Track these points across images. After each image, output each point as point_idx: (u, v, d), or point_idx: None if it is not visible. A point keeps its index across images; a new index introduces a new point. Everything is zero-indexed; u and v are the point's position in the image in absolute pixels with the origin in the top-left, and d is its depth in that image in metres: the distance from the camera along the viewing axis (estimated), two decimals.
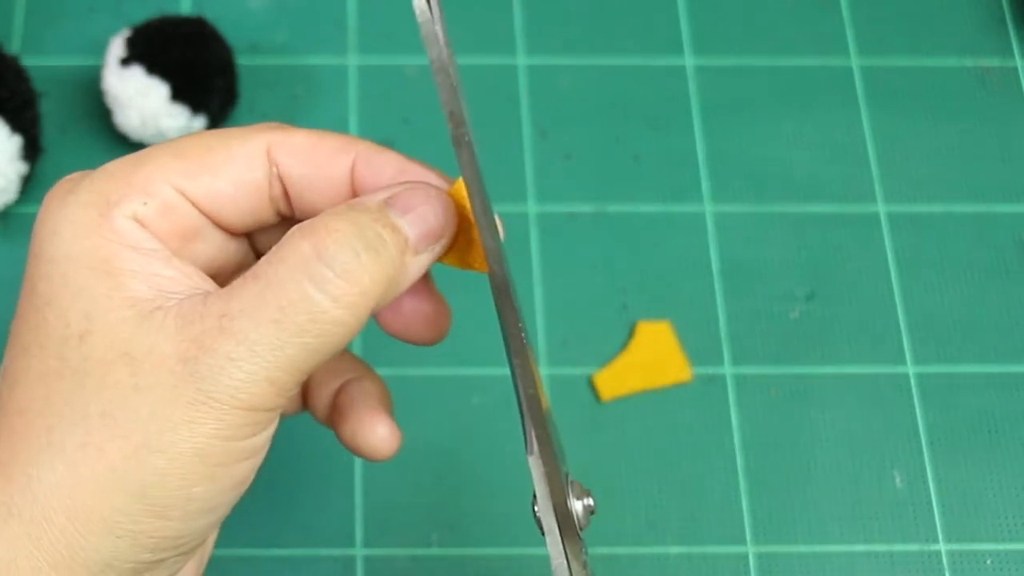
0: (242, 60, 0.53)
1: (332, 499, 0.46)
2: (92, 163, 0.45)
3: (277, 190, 0.33)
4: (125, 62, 0.49)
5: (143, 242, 0.31)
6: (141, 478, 0.29)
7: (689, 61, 0.55)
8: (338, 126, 0.53)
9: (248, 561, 0.44)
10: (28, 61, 0.52)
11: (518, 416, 0.43)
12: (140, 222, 0.31)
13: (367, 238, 0.30)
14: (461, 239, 0.32)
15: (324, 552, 0.45)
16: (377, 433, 0.36)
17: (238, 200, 0.33)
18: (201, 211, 0.32)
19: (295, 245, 0.30)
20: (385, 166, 0.33)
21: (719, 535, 0.46)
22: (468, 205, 0.31)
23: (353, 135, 0.35)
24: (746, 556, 0.45)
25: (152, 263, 0.31)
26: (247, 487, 0.31)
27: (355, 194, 0.33)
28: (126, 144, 0.51)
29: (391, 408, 0.36)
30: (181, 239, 0.32)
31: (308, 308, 0.29)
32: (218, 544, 0.43)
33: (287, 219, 0.34)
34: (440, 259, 0.33)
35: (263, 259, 0.30)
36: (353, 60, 0.54)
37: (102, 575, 0.30)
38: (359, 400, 0.36)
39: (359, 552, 0.45)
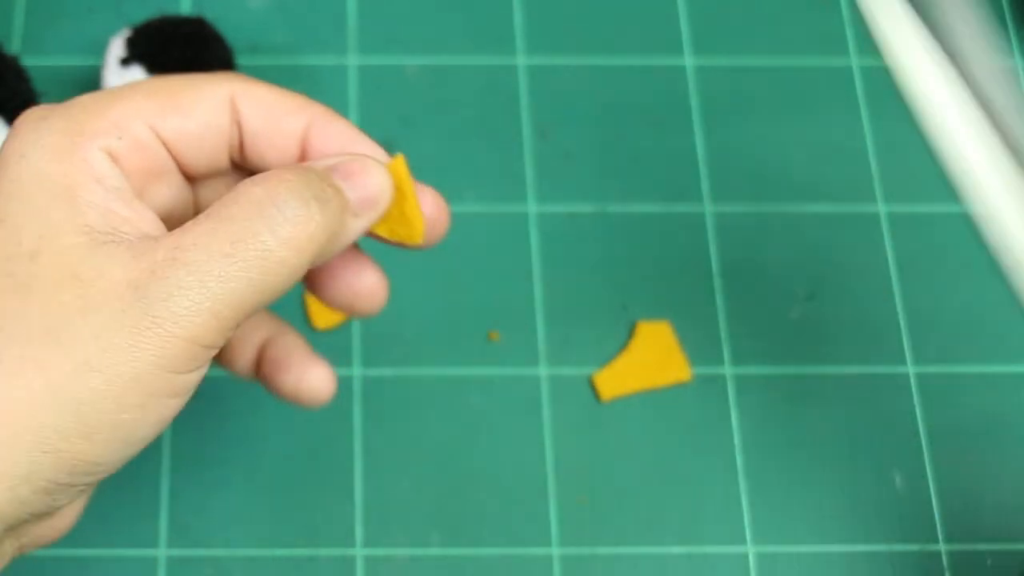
0: (242, 60, 0.53)
1: (332, 499, 0.46)
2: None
3: (235, 137, 0.35)
4: (125, 62, 0.49)
5: (109, 178, 0.32)
6: (77, 396, 0.30)
7: (689, 61, 0.54)
8: None
9: (248, 561, 0.44)
10: (28, 61, 0.51)
11: (518, 415, 0.46)
12: (112, 156, 0.32)
13: (315, 190, 0.32)
14: (394, 211, 0.35)
15: (324, 552, 0.45)
16: (319, 375, 0.38)
17: (203, 141, 0.34)
18: (169, 151, 0.34)
19: (248, 190, 0.31)
20: (337, 135, 0.35)
21: (719, 535, 0.46)
22: (404, 181, 0.35)
23: (311, 98, 0.36)
24: (746, 556, 0.45)
25: (112, 200, 0.32)
26: (159, 432, 0.32)
27: (304, 153, 0.35)
28: None
29: (320, 355, 0.39)
30: (146, 178, 0.33)
31: (257, 245, 0.30)
32: (218, 544, 0.44)
33: (235, 168, 0.36)
34: (373, 231, 0.35)
35: (216, 203, 0.31)
36: (353, 60, 0.54)
37: (16, 489, 0.30)
38: (294, 350, 0.38)
39: (359, 552, 0.45)
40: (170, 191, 0.35)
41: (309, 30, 0.54)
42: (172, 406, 0.31)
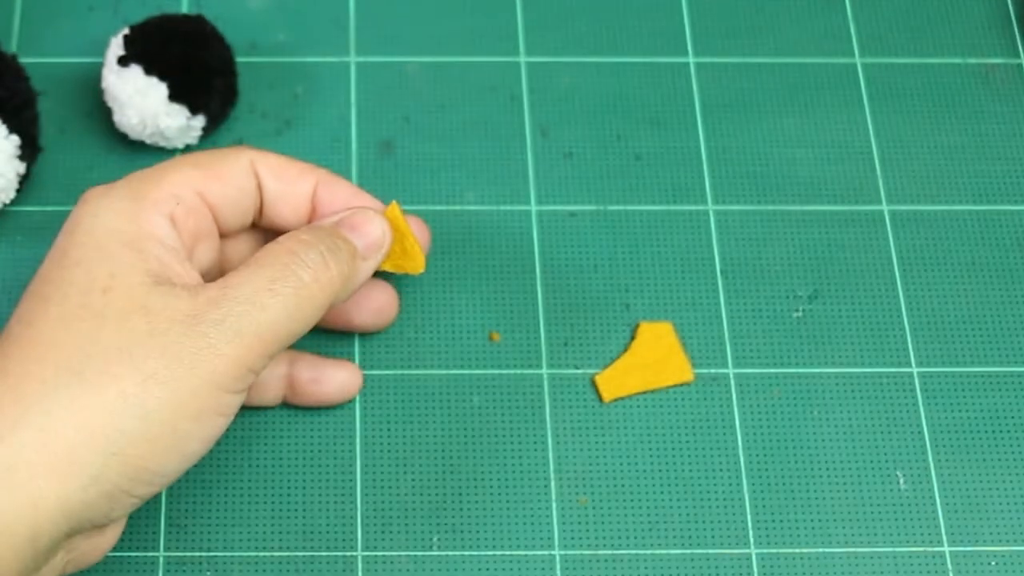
0: (242, 59, 0.52)
1: (332, 501, 0.45)
2: (91, 162, 0.50)
3: (258, 199, 0.42)
4: (124, 61, 0.49)
5: (168, 239, 0.38)
6: (144, 404, 0.35)
7: (692, 59, 0.54)
8: (339, 124, 0.52)
9: (248, 562, 0.44)
10: (27, 60, 0.51)
11: (520, 416, 0.47)
12: (172, 221, 0.39)
13: (327, 244, 0.39)
14: (396, 249, 0.43)
15: (325, 554, 0.44)
16: (348, 375, 0.45)
17: (238, 204, 0.41)
18: (213, 214, 0.41)
19: (277, 247, 0.38)
20: (340, 192, 0.42)
21: (721, 537, 0.45)
22: (400, 222, 0.43)
23: (312, 163, 0.43)
24: (749, 558, 0.45)
25: (169, 256, 0.38)
26: (206, 450, 0.37)
27: (314, 209, 0.42)
28: (125, 143, 0.51)
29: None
30: (196, 238, 0.40)
31: (293, 282, 0.37)
32: (218, 547, 0.44)
33: (255, 228, 0.43)
34: (380, 268, 0.42)
35: (251, 259, 0.38)
36: (353, 58, 0.54)
37: (88, 489, 0.34)
38: (320, 364, 0.45)
39: (360, 554, 0.45)
40: (208, 251, 0.41)
41: (309, 28, 0.54)
42: (219, 425, 0.37)
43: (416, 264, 0.43)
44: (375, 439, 0.47)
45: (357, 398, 0.47)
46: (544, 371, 0.48)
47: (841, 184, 0.52)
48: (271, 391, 0.45)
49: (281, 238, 0.39)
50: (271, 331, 0.37)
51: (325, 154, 0.51)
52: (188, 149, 0.51)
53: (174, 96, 0.49)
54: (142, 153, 0.51)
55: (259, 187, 0.42)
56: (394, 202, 0.43)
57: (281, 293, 0.37)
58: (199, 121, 0.50)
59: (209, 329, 0.36)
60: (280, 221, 0.42)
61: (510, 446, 0.47)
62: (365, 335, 0.48)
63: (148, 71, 0.48)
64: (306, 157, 0.45)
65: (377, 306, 0.46)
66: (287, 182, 0.42)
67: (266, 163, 0.42)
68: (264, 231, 0.44)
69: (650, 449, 0.47)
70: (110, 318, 0.36)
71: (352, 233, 0.41)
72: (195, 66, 0.49)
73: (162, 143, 0.50)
